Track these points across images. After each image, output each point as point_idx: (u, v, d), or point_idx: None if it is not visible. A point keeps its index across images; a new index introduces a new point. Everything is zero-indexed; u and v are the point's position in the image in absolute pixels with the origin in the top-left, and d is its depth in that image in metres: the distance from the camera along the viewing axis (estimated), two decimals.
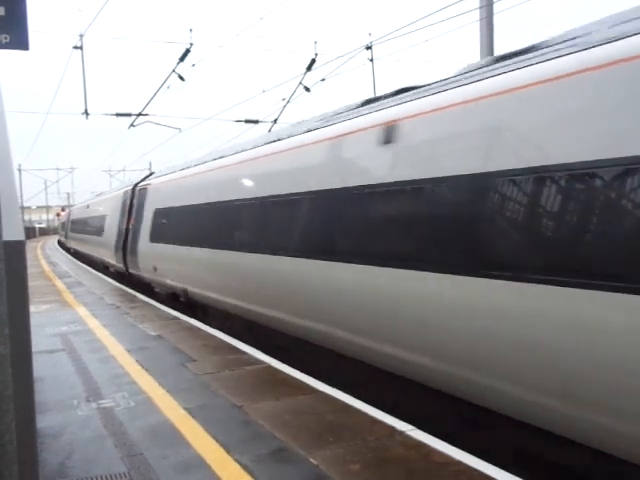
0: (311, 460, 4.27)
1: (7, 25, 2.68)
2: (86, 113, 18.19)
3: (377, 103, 6.77)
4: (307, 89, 17.19)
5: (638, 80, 3.71)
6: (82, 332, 9.61)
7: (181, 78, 17.12)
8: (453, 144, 5.11)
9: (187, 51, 16.59)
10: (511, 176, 4.44)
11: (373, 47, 16.50)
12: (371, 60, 17.20)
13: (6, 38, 2.69)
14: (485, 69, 5.33)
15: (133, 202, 17.52)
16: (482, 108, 4.88)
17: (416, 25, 11.63)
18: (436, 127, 5.35)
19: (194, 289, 11.69)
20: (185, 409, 5.54)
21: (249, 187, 9.20)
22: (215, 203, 10.47)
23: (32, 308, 11.59)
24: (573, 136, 4.03)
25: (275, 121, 18.64)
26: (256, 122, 19.58)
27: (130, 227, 17.27)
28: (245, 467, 4.21)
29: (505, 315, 4.44)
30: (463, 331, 4.81)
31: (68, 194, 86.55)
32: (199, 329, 9.58)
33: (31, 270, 21.86)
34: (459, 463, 4.11)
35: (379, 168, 6.04)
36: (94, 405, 5.79)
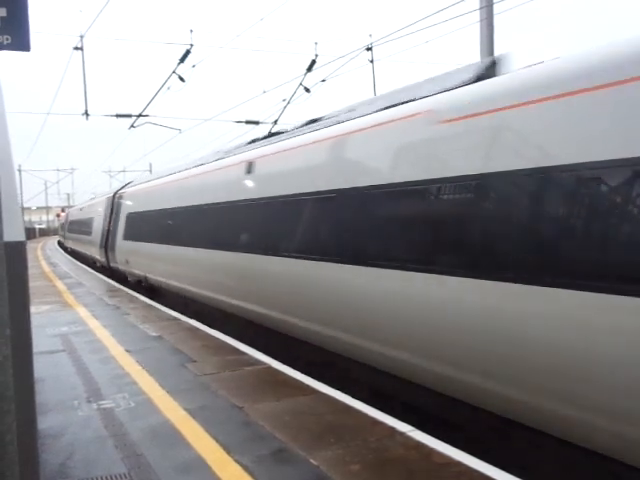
0: (311, 461, 4.27)
1: (8, 26, 2.69)
2: (86, 114, 18.19)
3: (250, 145, 10.83)
4: (307, 90, 17.19)
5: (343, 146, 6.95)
6: (82, 333, 9.62)
7: (181, 79, 17.13)
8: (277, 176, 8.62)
9: (187, 52, 16.60)
10: (304, 197, 7.57)
11: (373, 48, 16.51)
12: (371, 61, 17.20)
13: (7, 39, 2.70)
14: (300, 129, 9.16)
15: (113, 207, 21.44)
16: (286, 156, 8.38)
17: (416, 26, 11.62)
18: (274, 164, 8.78)
19: (151, 276, 15.63)
20: (185, 410, 5.54)
21: (184, 197, 13.01)
22: (165, 209, 14.25)
23: (33, 309, 11.57)
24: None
25: (275, 122, 18.65)
26: (257, 123, 19.59)
27: (110, 228, 21.29)
28: (246, 468, 4.21)
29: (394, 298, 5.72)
30: (389, 315, 5.79)
31: (68, 195, 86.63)
32: (199, 330, 9.58)
33: (31, 271, 21.86)
34: (460, 464, 4.12)
35: (244, 188, 9.68)
36: (95, 406, 5.79)
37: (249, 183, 9.57)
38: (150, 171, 56.62)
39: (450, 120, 5.25)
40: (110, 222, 21.53)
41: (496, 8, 11.72)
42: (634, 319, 3.63)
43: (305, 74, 16.70)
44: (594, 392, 3.87)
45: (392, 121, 6.15)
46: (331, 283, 6.78)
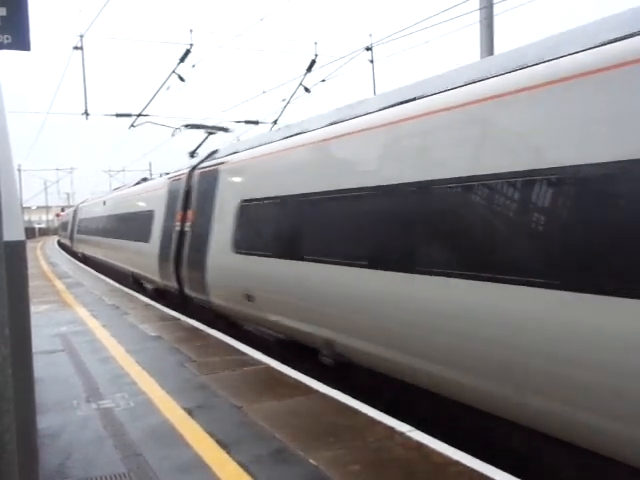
0: (311, 461, 4.27)
1: (8, 26, 2.69)
2: (86, 113, 18.20)
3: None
4: (307, 90, 17.20)
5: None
6: (82, 332, 9.61)
7: (181, 79, 17.13)
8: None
9: (187, 52, 16.61)
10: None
11: (373, 48, 16.52)
12: (371, 61, 17.21)
13: (8, 39, 2.70)
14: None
15: (190, 192, 12.23)
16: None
17: (416, 26, 11.64)
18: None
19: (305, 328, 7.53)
20: (185, 409, 5.54)
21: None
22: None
23: (32, 308, 11.51)
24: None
25: (275, 122, 18.65)
26: (256, 123, 19.59)
27: (186, 229, 12.14)
28: (245, 467, 4.21)
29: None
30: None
31: (68, 194, 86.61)
32: (198, 330, 9.57)
33: (31, 270, 21.83)
34: (459, 464, 4.12)
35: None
36: (94, 406, 5.79)
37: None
38: (150, 172, 56.19)
39: None
40: (185, 219, 12.18)
41: (497, 9, 11.72)
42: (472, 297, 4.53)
43: (305, 74, 16.71)
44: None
45: None
46: None
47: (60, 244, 52.45)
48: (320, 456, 4.34)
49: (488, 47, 11.72)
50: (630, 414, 3.66)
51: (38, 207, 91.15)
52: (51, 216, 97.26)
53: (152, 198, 15.71)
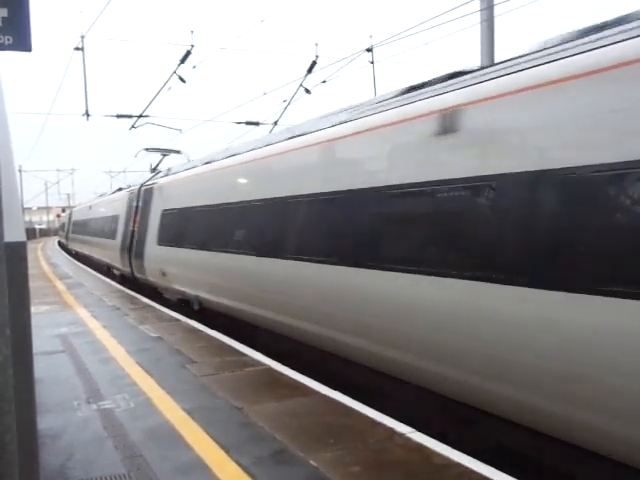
0: (311, 462, 4.27)
1: (10, 27, 2.69)
2: (87, 114, 18.21)
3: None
4: (308, 91, 17.21)
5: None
6: (82, 333, 9.61)
7: (182, 80, 17.15)
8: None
9: (188, 53, 16.62)
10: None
11: (374, 49, 16.53)
12: (372, 62, 17.22)
13: (9, 40, 2.70)
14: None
15: (138, 203, 16.65)
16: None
17: (417, 28, 11.65)
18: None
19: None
20: (185, 410, 5.54)
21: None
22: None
23: (32, 309, 11.52)
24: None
25: (276, 123, 18.66)
26: (257, 124, 19.61)
27: (136, 230, 16.55)
28: (245, 469, 4.21)
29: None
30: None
31: (69, 195, 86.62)
32: (199, 330, 9.58)
33: (31, 271, 21.86)
34: (459, 465, 4.11)
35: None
36: (94, 406, 5.79)
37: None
38: (151, 172, 56.38)
39: None
40: (135, 222, 16.71)
41: (497, 10, 11.72)
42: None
43: (306, 75, 16.72)
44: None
45: None
46: None
47: (60, 244, 52.50)
48: (320, 457, 4.34)
49: (489, 48, 11.72)
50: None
51: (39, 208, 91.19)
52: (52, 217, 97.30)
53: (117, 206, 20.65)
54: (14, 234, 2.80)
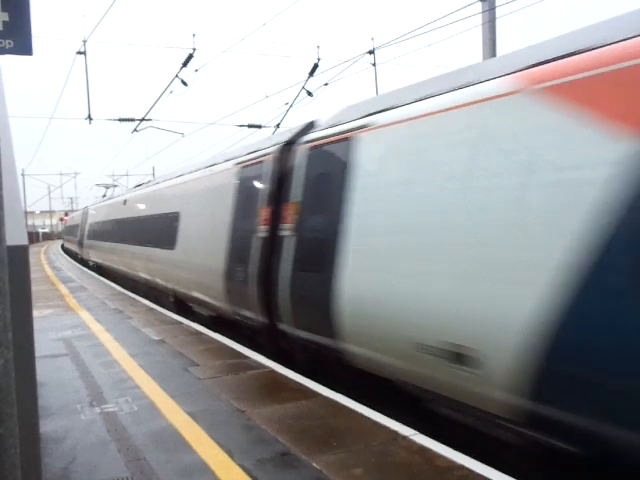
0: (314, 465, 4.26)
1: (11, 31, 2.70)
2: (89, 118, 18.25)
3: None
4: (310, 94, 17.23)
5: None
6: (85, 336, 9.62)
7: (184, 83, 17.18)
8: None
9: (190, 56, 16.65)
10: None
11: (376, 52, 16.54)
12: (374, 64, 17.22)
13: (10, 43, 2.71)
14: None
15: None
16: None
17: (419, 30, 11.66)
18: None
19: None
20: (188, 413, 5.54)
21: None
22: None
23: (35, 312, 11.61)
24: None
25: (278, 125, 18.68)
26: (259, 127, 19.63)
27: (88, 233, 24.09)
28: (248, 471, 4.20)
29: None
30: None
31: (71, 199, 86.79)
32: (201, 333, 9.58)
33: (34, 275, 21.91)
34: (463, 468, 4.11)
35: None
36: (97, 410, 5.79)
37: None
38: (153, 175, 56.96)
39: None
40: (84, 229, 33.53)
41: (499, 12, 11.73)
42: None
43: (308, 78, 16.73)
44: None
45: None
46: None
47: (65, 249, 52.52)
48: (323, 460, 4.34)
49: (491, 49, 11.73)
50: None
51: (42, 211, 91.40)
52: (55, 220, 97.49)
53: (78, 215, 36.34)
54: (16, 238, 2.81)
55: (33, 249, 52.63)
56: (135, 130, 19.52)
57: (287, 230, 7.79)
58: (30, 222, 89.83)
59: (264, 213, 8.53)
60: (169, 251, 13.41)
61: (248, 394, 6.07)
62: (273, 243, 8.15)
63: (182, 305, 12.86)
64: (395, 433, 4.79)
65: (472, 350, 4.54)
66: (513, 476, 4.04)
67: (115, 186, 36.83)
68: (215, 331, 9.86)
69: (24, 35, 2.73)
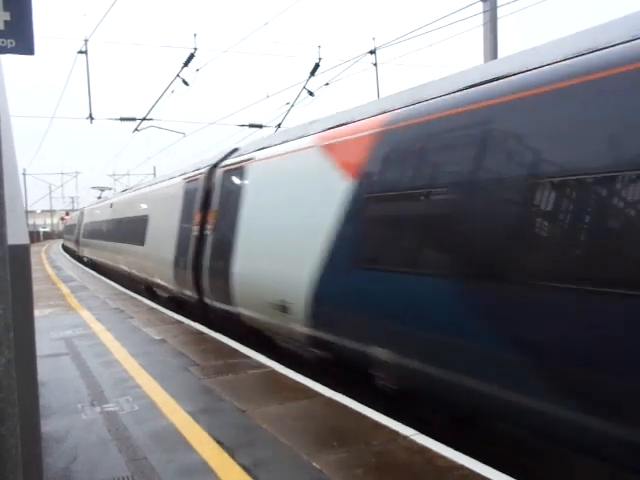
0: (314, 464, 4.26)
1: (13, 30, 2.70)
2: (91, 117, 18.25)
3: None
4: (311, 93, 17.22)
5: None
6: (86, 336, 9.63)
7: (185, 83, 17.16)
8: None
9: (191, 56, 16.64)
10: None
11: (377, 51, 16.54)
12: (375, 64, 17.21)
13: (12, 43, 2.71)
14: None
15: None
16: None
17: (420, 30, 11.65)
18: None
19: None
20: (189, 413, 5.54)
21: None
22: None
23: (36, 312, 11.59)
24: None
25: (279, 125, 18.68)
26: (260, 127, 19.63)
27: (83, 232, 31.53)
28: (249, 471, 4.20)
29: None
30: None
31: (72, 198, 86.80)
32: (202, 333, 9.58)
33: (35, 274, 21.92)
34: (463, 468, 4.10)
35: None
36: (98, 409, 5.80)
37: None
38: (154, 175, 57.11)
39: None
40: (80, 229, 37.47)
41: (501, 12, 11.73)
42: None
43: (309, 78, 16.73)
44: None
45: None
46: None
47: (64, 247, 52.60)
48: (324, 460, 4.34)
49: (492, 50, 11.72)
50: None
51: (43, 211, 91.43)
52: (56, 220, 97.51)
53: (75, 216, 43.92)
54: (18, 237, 2.81)
55: (34, 248, 52.64)
56: (136, 130, 19.53)
57: (209, 230, 10.85)
58: (31, 221, 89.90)
59: (196, 217, 11.63)
60: (140, 247, 16.62)
61: (249, 394, 6.07)
62: (201, 239, 11.20)
63: (151, 291, 15.89)
64: (396, 433, 4.79)
65: (289, 303, 7.58)
66: (513, 476, 4.04)
67: (110, 189, 45.15)
68: (172, 310, 12.51)
69: (26, 35, 2.73)
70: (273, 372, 6.89)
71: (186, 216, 12.36)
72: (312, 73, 16.66)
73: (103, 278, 20.94)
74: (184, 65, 16.79)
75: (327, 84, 16.92)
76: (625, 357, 3.64)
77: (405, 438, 4.68)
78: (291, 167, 8.10)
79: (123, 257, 19.61)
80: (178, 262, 12.44)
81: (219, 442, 4.78)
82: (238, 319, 9.41)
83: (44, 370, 7.23)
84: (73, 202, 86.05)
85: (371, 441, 4.65)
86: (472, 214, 4.84)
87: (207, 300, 10.77)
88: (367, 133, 6.45)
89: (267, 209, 8.67)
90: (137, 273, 17.40)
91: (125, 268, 19.40)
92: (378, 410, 5.42)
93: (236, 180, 9.94)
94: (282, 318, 7.80)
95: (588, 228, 3.96)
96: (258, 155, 9.29)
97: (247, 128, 19.76)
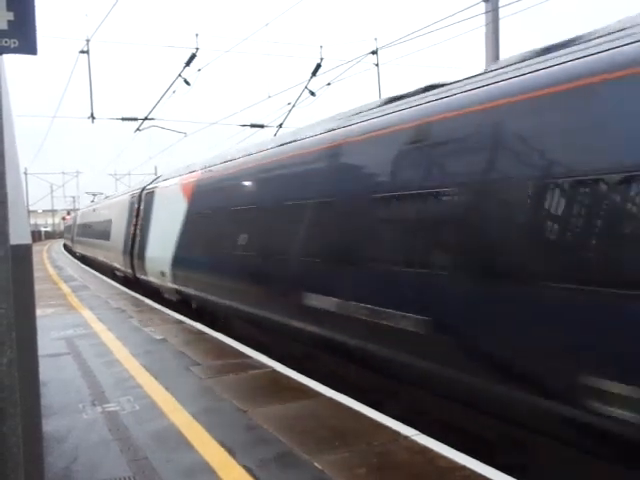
0: (316, 464, 4.26)
1: (16, 30, 2.70)
2: (92, 117, 18.25)
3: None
4: (312, 93, 17.21)
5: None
6: (87, 336, 9.63)
7: (187, 82, 17.15)
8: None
9: (193, 56, 16.63)
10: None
11: (379, 52, 16.53)
12: (377, 65, 17.20)
13: (15, 43, 2.71)
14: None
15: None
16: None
17: (422, 30, 11.65)
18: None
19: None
20: (190, 413, 5.54)
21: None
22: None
23: (38, 312, 11.57)
24: None
25: (280, 125, 18.67)
26: (261, 127, 19.62)
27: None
28: (250, 471, 4.20)
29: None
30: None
31: (74, 198, 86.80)
32: (203, 333, 9.58)
33: (37, 274, 21.87)
34: (464, 468, 4.10)
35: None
36: (99, 409, 5.80)
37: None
38: (155, 174, 57.27)
39: None
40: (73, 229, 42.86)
41: (503, 12, 11.72)
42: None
43: (310, 78, 16.73)
44: None
45: None
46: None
47: (65, 246, 52.69)
48: (325, 460, 4.33)
49: (494, 50, 11.71)
50: None
51: (44, 210, 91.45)
52: (57, 219, 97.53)
53: (72, 217, 51.25)
54: (20, 237, 2.81)
55: (35, 248, 52.60)
56: (138, 129, 19.53)
57: (137, 230, 16.88)
58: (32, 221, 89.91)
59: (132, 221, 17.75)
60: (107, 242, 22.89)
61: (250, 394, 6.07)
62: (134, 236, 17.14)
63: (113, 273, 21.96)
64: (397, 433, 4.79)
65: (165, 271, 13.35)
66: (515, 476, 4.04)
67: (101, 193, 49.98)
68: (122, 284, 18.42)
69: (29, 34, 2.73)
70: (274, 372, 6.88)
71: (129, 220, 18.33)
72: (314, 73, 16.66)
73: (104, 278, 20.94)
74: (186, 65, 16.79)
75: (329, 84, 16.92)
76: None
77: (406, 438, 4.68)
78: (167, 193, 14.30)
79: (99, 250, 26.18)
80: (124, 251, 18.37)
81: (220, 442, 4.77)
82: (150, 285, 15.55)
83: (45, 370, 7.23)
84: (74, 202, 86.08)
85: (372, 441, 4.65)
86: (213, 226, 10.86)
87: (137, 274, 17.02)
88: (192, 180, 12.59)
89: (158, 218, 14.86)
90: (106, 261, 23.75)
91: (101, 258, 25.83)
92: (379, 410, 5.40)
93: (148, 199, 16.27)
94: (164, 280, 13.74)
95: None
96: (159, 185, 15.62)
97: (249, 128, 19.76)
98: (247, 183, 9.71)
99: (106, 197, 35.25)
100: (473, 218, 4.73)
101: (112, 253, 21.35)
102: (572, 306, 3.84)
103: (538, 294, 4.04)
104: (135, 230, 17.12)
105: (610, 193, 3.68)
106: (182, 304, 12.89)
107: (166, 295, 14.21)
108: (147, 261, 15.36)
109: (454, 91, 5.36)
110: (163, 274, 13.60)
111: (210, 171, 11.59)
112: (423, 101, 5.75)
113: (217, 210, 10.58)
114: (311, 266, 7.04)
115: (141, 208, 16.94)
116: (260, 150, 9.47)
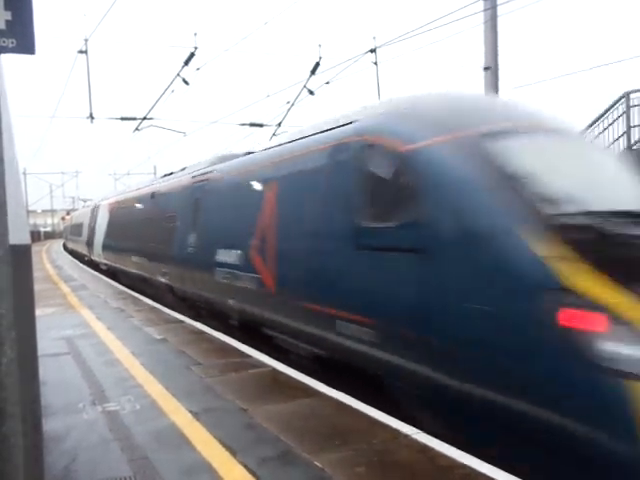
0: (316, 463, 4.26)
1: (14, 30, 2.70)
2: (91, 117, 18.26)
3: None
4: (311, 92, 17.22)
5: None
6: (87, 335, 9.63)
7: (185, 82, 17.17)
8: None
9: (192, 55, 16.64)
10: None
11: (377, 50, 16.53)
12: (375, 63, 17.20)
13: (13, 43, 2.71)
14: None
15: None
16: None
17: (421, 28, 11.64)
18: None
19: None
20: (190, 412, 5.54)
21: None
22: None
23: (37, 311, 11.57)
24: None
25: (279, 124, 18.68)
26: (260, 126, 19.63)
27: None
28: (251, 470, 4.21)
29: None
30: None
31: (73, 198, 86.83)
32: (203, 332, 9.59)
33: (36, 274, 21.94)
34: (465, 467, 4.11)
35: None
36: (99, 408, 5.80)
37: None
38: (155, 174, 57.48)
39: None
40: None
41: (502, 9, 11.72)
42: None
43: (309, 77, 16.74)
44: None
45: None
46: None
47: (64, 246, 52.75)
48: (325, 458, 4.34)
49: (492, 48, 11.72)
50: None
51: (43, 210, 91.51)
52: (56, 219, 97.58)
53: (68, 219, 56.39)
54: (19, 237, 2.81)
55: (35, 248, 52.64)
56: (137, 129, 19.54)
57: (91, 227, 27.61)
58: (32, 221, 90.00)
59: (90, 223, 27.86)
60: (80, 237, 32.74)
61: (250, 393, 6.07)
62: (92, 232, 26.68)
63: (83, 260, 30.56)
64: (397, 432, 4.79)
65: (99, 252, 24.60)
66: (517, 476, 4.05)
67: (91, 199, 53.43)
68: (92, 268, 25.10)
69: (27, 34, 2.73)
70: (274, 371, 6.89)
71: (92, 221, 26.97)
72: (313, 72, 16.67)
73: (104, 278, 20.96)
74: (184, 64, 16.80)
75: (328, 83, 16.93)
76: None
77: (406, 437, 4.68)
78: (102, 208, 23.77)
79: (78, 244, 34.39)
80: (87, 242, 28.01)
81: (221, 441, 4.78)
82: (98, 264, 23.85)
83: (45, 369, 7.23)
84: (74, 202, 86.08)
85: (372, 439, 4.65)
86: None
87: (93, 257, 25.89)
88: (112, 201, 22.74)
89: (99, 223, 23.75)
90: (81, 251, 32.16)
91: (79, 249, 33.81)
92: (379, 408, 5.41)
93: (96, 211, 26.31)
94: (100, 257, 23.58)
95: None
96: (102, 203, 24.24)
97: (248, 127, 19.77)
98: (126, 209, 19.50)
99: (83, 206, 49.33)
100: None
101: (82, 245, 31.73)
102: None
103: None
104: (91, 227, 27.79)
105: None
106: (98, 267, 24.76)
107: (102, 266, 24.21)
108: (95, 246, 25.54)
109: (172, 177, 14.73)
110: (99, 255, 24.34)
111: (117, 199, 22.11)
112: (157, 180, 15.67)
113: (115, 219, 21.24)
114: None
115: (98, 216, 26.19)
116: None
